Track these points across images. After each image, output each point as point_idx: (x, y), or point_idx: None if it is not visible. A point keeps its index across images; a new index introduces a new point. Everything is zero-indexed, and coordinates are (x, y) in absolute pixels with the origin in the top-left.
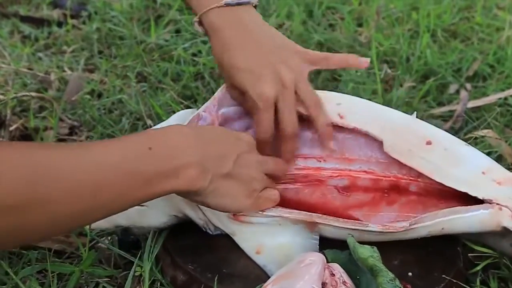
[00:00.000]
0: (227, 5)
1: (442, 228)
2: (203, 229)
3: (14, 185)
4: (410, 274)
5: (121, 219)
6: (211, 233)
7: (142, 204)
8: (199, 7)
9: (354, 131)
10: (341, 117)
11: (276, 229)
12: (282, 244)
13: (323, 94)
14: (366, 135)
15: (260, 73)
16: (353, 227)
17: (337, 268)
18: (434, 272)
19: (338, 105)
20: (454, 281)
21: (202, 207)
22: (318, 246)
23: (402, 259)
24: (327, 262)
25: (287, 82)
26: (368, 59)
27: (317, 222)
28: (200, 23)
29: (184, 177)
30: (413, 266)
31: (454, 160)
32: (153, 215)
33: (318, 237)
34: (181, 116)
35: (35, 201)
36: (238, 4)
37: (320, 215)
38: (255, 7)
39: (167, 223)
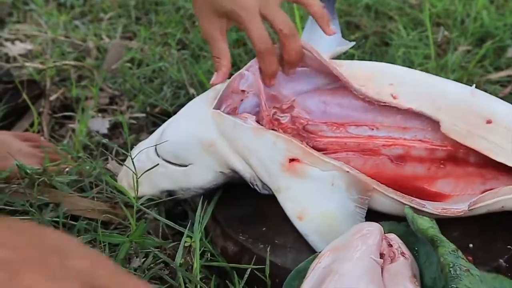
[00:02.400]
0: None
1: (502, 206)
2: (251, 185)
3: None
4: (471, 245)
5: (166, 182)
6: (258, 190)
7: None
8: None
9: (408, 111)
10: (395, 98)
11: (326, 191)
12: (327, 212)
13: (373, 68)
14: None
15: None
16: (409, 203)
17: (395, 238)
18: (496, 243)
19: (390, 85)
20: None
21: (249, 160)
22: (364, 220)
23: (462, 230)
24: (384, 233)
25: None
26: (335, 29)
27: (374, 188)
28: None
29: None
30: (474, 237)
31: None
32: (199, 173)
33: (365, 211)
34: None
35: None
36: None
37: (379, 183)
38: None
39: (213, 181)
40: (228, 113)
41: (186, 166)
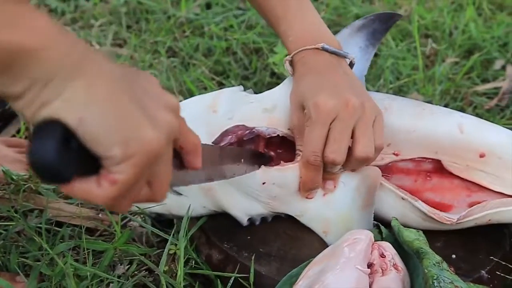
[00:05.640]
0: (324, 49)
1: (489, 220)
2: (243, 223)
3: None
4: (453, 256)
5: (157, 206)
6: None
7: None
8: (294, 45)
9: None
10: (397, 155)
11: (339, 192)
12: (344, 216)
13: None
14: None
15: (324, 88)
16: (403, 196)
17: (389, 248)
18: (479, 255)
19: (389, 146)
20: (503, 263)
21: (260, 199)
22: (372, 222)
23: (446, 240)
24: (382, 239)
25: (350, 101)
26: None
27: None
28: (291, 62)
29: (34, 28)
30: (457, 248)
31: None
32: (192, 207)
33: (373, 208)
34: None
35: None
36: (335, 53)
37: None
38: (351, 64)
39: (203, 214)
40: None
41: (179, 194)
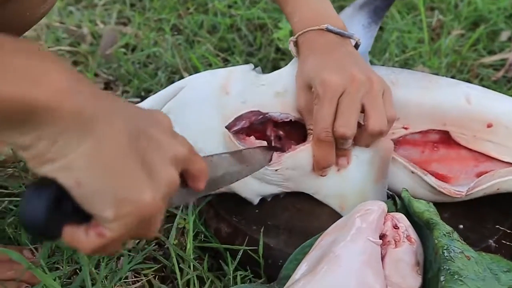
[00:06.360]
0: (328, 30)
1: (498, 189)
2: (254, 203)
3: None
4: (461, 226)
5: None
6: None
7: None
8: (300, 25)
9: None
10: (407, 128)
11: (353, 166)
12: (360, 191)
13: None
14: None
15: (329, 66)
16: (413, 170)
17: (403, 220)
18: (486, 224)
19: (398, 120)
20: (508, 231)
21: (272, 181)
22: (386, 194)
23: (453, 211)
24: (397, 210)
25: (356, 76)
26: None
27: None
28: (296, 43)
29: (47, 83)
30: (465, 219)
31: None
32: None
33: (387, 180)
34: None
35: None
36: (339, 34)
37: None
38: (356, 45)
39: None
40: (241, 133)
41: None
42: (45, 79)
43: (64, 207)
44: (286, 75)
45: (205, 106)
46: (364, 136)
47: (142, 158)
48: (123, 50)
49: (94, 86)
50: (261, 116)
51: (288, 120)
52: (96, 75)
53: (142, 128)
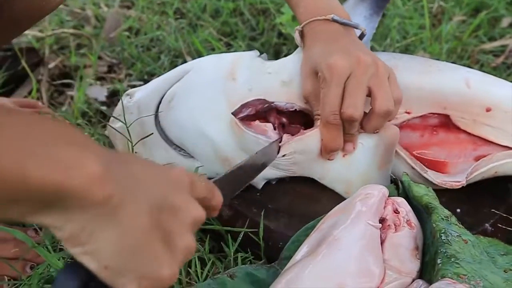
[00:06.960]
0: (334, 20)
1: (495, 172)
2: (258, 187)
3: None
4: (458, 210)
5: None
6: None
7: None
8: (305, 15)
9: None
10: (409, 113)
11: (358, 151)
12: (364, 175)
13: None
14: None
15: (334, 51)
16: (413, 165)
17: (403, 204)
18: (483, 209)
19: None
20: (504, 215)
21: (279, 166)
22: (390, 179)
23: (450, 196)
24: (399, 195)
25: (362, 58)
26: None
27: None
28: (301, 33)
29: (79, 168)
30: (461, 203)
31: None
32: (203, 170)
33: (391, 166)
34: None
35: None
36: (345, 24)
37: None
38: (362, 36)
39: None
40: (248, 119)
41: (188, 155)
42: (78, 166)
43: (92, 286)
44: (291, 64)
45: (211, 91)
46: (371, 118)
47: (162, 231)
48: (126, 33)
49: (120, 160)
50: (266, 105)
51: (293, 109)
52: (100, 58)
53: (164, 197)
